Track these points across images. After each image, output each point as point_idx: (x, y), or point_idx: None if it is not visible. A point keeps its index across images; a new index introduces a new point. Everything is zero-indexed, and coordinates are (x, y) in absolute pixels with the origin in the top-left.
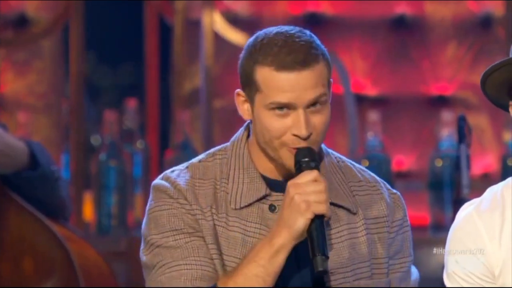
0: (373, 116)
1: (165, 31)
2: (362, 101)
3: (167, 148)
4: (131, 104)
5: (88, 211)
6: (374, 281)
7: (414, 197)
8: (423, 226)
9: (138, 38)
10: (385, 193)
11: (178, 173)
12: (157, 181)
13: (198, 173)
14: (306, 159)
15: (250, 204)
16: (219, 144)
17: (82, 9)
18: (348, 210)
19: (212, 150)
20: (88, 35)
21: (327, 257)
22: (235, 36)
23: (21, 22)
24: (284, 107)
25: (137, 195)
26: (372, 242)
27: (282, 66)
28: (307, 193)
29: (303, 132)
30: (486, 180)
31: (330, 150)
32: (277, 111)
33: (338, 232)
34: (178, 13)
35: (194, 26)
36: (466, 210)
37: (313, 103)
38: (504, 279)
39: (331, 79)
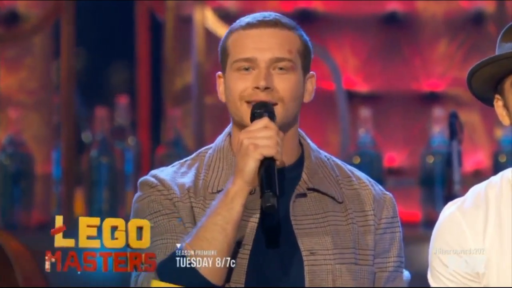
0: (365, 112)
1: (156, 28)
2: (353, 97)
3: (158, 144)
4: (122, 100)
5: (79, 207)
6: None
7: (406, 193)
8: (414, 223)
9: (129, 35)
10: (375, 191)
11: (162, 169)
12: (142, 178)
13: (182, 168)
14: (259, 111)
15: None
16: (210, 141)
17: (73, 6)
18: (333, 198)
19: (199, 150)
20: (79, 32)
21: (276, 194)
22: None
23: (12, 18)
24: (249, 67)
25: (128, 192)
26: (358, 233)
27: (249, 25)
28: (256, 138)
29: (262, 83)
30: (478, 177)
31: (321, 150)
32: (243, 72)
33: (322, 218)
34: (169, 10)
35: (185, 23)
36: (449, 209)
37: (277, 63)
38: (488, 278)
39: (313, 72)
